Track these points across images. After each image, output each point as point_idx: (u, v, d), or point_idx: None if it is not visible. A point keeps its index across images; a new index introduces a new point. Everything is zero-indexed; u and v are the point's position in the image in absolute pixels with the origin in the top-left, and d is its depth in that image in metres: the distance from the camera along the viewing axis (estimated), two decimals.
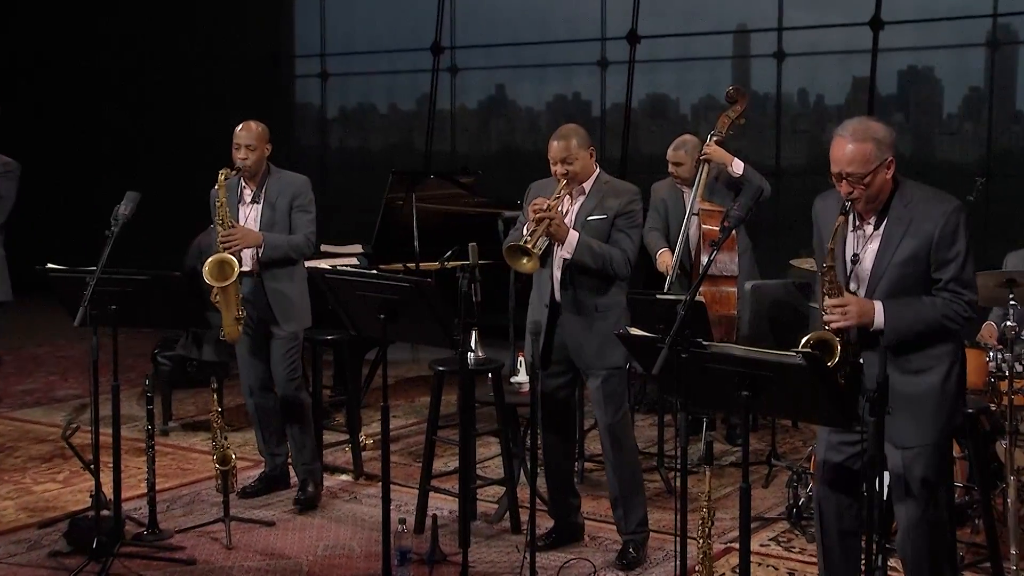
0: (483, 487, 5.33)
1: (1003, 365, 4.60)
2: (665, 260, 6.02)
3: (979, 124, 8.31)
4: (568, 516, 4.87)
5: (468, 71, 10.47)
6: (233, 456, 5.00)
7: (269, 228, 5.26)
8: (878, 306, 3.46)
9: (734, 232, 5.72)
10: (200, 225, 6.43)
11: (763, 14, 8.88)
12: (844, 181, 3.47)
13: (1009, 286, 4.52)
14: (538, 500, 4.53)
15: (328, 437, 6.15)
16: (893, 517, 4.07)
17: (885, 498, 3.86)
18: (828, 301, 3.49)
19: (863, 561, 3.46)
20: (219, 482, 5.00)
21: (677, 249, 5.99)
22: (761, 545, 4.84)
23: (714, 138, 6.05)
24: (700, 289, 4.44)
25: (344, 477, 5.84)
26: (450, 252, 6.14)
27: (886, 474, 3.64)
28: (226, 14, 11.26)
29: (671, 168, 6.15)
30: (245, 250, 5.21)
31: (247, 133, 5.25)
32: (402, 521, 4.53)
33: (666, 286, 5.87)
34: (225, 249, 5.10)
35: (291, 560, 4.70)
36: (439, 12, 10.34)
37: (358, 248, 7.29)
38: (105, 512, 4.68)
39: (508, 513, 5.07)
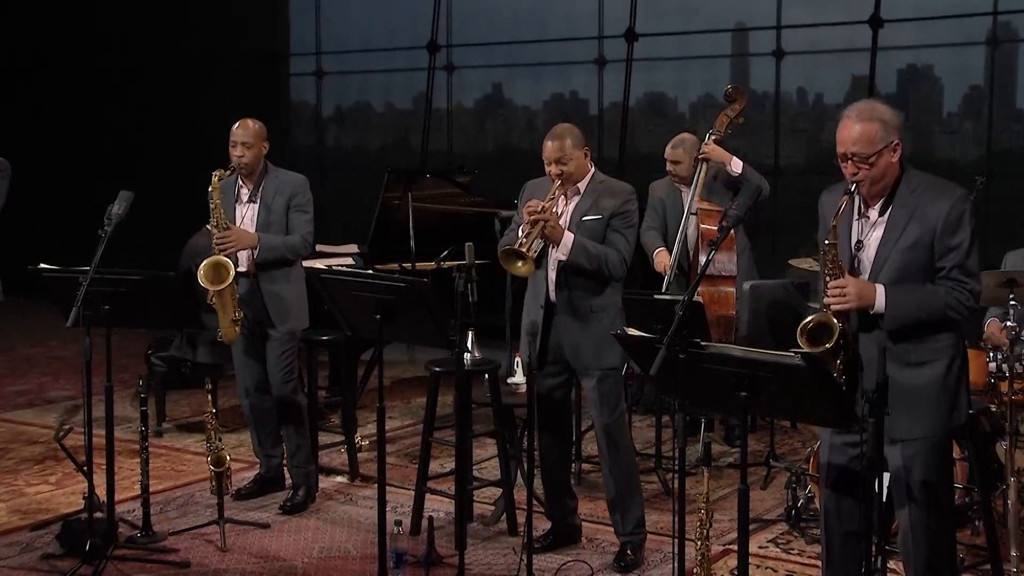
0: (480, 489, 5.31)
1: (1003, 365, 4.58)
2: (662, 260, 6.00)
3: (979, 123, 8.30)
4: (565, 518, 4.85)
5: (465, 69, 10.44)
6: (228, 457, 4.97)
7: (265, 228, 5.23)
8: (879, 289, 3.45)
9: (733, 232, 5.69)
10: (200, 225, 6.40)
11: (762, 12, 8.86)
12: (849, 162, 3.47)
13: (1009, 286, 4.51)
14: (535, 502, 4.51)
15: (324, 438, 6.12)
16: (893, 518, 4.05)
17: (885, 499, 3.84)
18: (829, 283, 3.48)
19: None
20: (213, 484, 4.96)
21: (675, 249, 5.96)
22: (759, 547, 4.82)
23: (712, 137, 6.03)
24: (698, 289, 4.41)
25: (340, 479, 5.82)
26: (446, 252, 6.12)
27: (886, 475, 3.62)
28: (221, 12, 11.23)
29: (669, 167, 6.13)
30: (241, 251, 5.18)
31: (244, 131, 5.22)
32: (398, 523, 4.51)
33: (664, 286, 5.85)
34: (220, 251, 5.07)
35: (286, 562, 4.68)
36: (435, 10, 10.32)
37: (354, 248, 7.28)
38: (98, 514, 4.67)
39: (505, 515, 5.06)
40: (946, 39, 8.31)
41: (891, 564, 4.23)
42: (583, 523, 4.95)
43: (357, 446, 5.97)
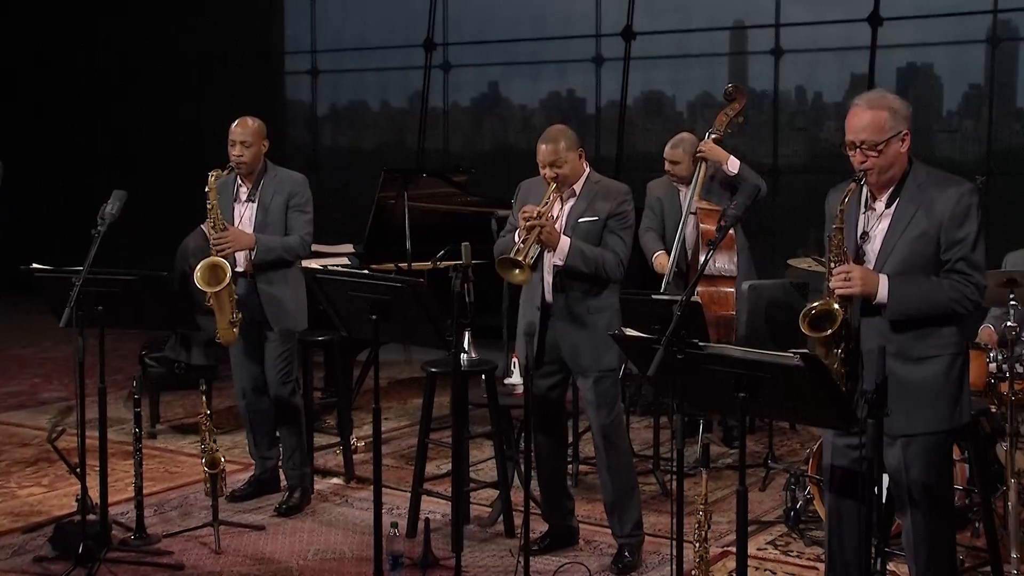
0: (476, 490, 5.29)
1: (1003, 366, 4.56)
2: (662, 262, 5.98)
3: (979, 122, 8.29)
4: (562, 520, 4.83)
5: (461, 68, 10.42)
6: (222, 459, 4.96)
7: (262, 228, 5.19)
8: (883, 279, 3.45)
9: (732, 231, 5.67)
10: (197, 226, 6.39)
11: (760, 10, 8.86)
12: (858, 150, 3.48)
13: (1009, 286, 4.50)
14: (532, 503, 4.49)
15: (319, 440, 6.10)
16: (893, 519, 4.03)
17: (885, 500, 3.81)
18: (834, 268, 3.49)
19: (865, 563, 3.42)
20: (208, 486, 4.95)
21: (674, 249, 5.94)
22: (758, 549, 4.80)
23: (712, 136, 6.01)
24: (697, 289, 4.40)
25: (335, 480, 5.79)
26: (443, 252, 6.09)
27: (886, 476, 3.60)
28: (215, 11, 11.21)
29: (668, 166, 6.11)
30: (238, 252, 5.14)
31: (243, 129, 5.18)
32: (394, 525, 4.51)
33: (662, 286, 5.82)
34: (217, 252, 5.03)
35: (281, 565, 4.66)
36: (431, 8, 10.30)
37: (349, 248, 7.25)
38: (91, 517, 4.63)
39: (502, 516, 5.04)
40: (946, 37, 8.30)
41: (891, 566, 4.21)
42: (580, 525, 4.93)
43: (353, 447, 5.95)
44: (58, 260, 4.74)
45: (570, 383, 4.76)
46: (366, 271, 5.70)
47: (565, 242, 4.39)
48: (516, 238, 4.42)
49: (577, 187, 4.53)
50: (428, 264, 6.35)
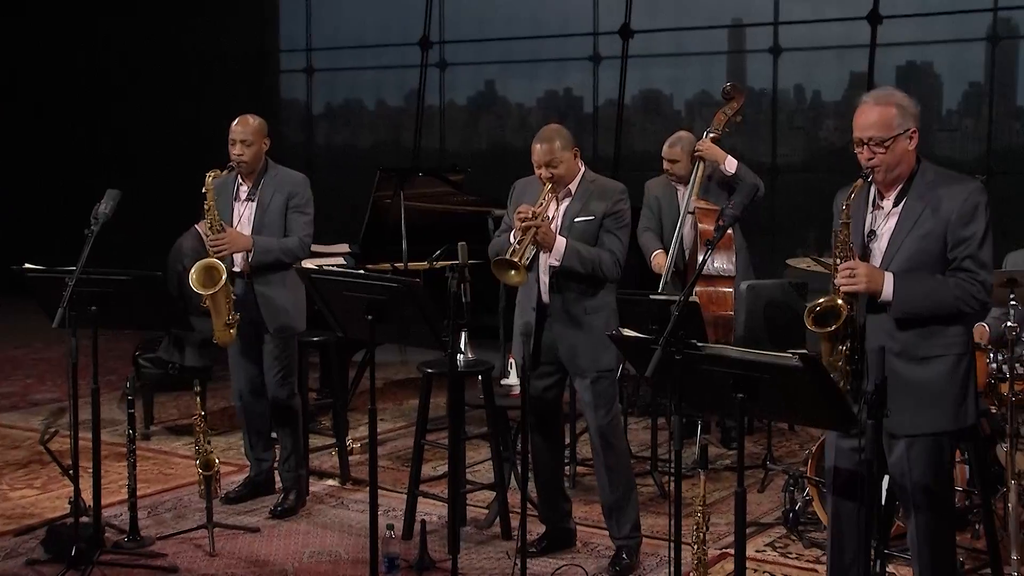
0: (473, 492, 5.27)
1: (1003, 367, 4.54)
2: (660, 262, 5.96)
3: (979, 121, 8.28)
4: (560, 521, 4.81)
5: (457, 66, 10.40)
6: (216, 461, 4.94)
7: (260, 228, 5.15)
8: (888, 276, 3.44)
9: (730, 231, 5.65)
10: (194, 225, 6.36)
11: (759, 8, 8.86)
12: (865, 147, 3.48)
13: (1010, 286, 4.48)
14: (529, 505, 4.48)
15: (314, 441, 6.08)
16: (892, 521, 4.00)
17: (885, 501, 3.79)
18: (840, 264, 3.48)
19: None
20: (202, 487, 4.92)
21: (672, 249, 5.91)
22: (757, 551, 4.79)
23: (710, 135, 6.00)
24: (696, 289, 4.38)
25: (330, 482, 5.77)
26: (439, 251, 6.06)
27: (886, 477, 3.57)
28: (215, 10, 11.19)
29: (666, 165, 6.09)
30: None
31: (243, 128, 5.14)
32: (390, 527, 4.51)
33: (660, 286, 5.80)
34: (214, 254, 4.99)
35: (276, 567, 4.64)
36: (427, 6, 10.28)
37: (345, 248, 7.23)
38: (84, 519, 4.62)
39: (498, 518, 5.02)
40: (946, 35, 8.29)
41: (891, 568, 4.19)
42: (578, 527, 4.91)
43: (348, 449, 5.94)
44: (58, 260, 4.71)
45: (567, 384, 4.74)
46: (362, 271, 5.68)
47: (561, 242, 4.37)
48: (512, 239, 4.40)
49: (573, 187, 4.51)
50: (424, 264, 6.33)
